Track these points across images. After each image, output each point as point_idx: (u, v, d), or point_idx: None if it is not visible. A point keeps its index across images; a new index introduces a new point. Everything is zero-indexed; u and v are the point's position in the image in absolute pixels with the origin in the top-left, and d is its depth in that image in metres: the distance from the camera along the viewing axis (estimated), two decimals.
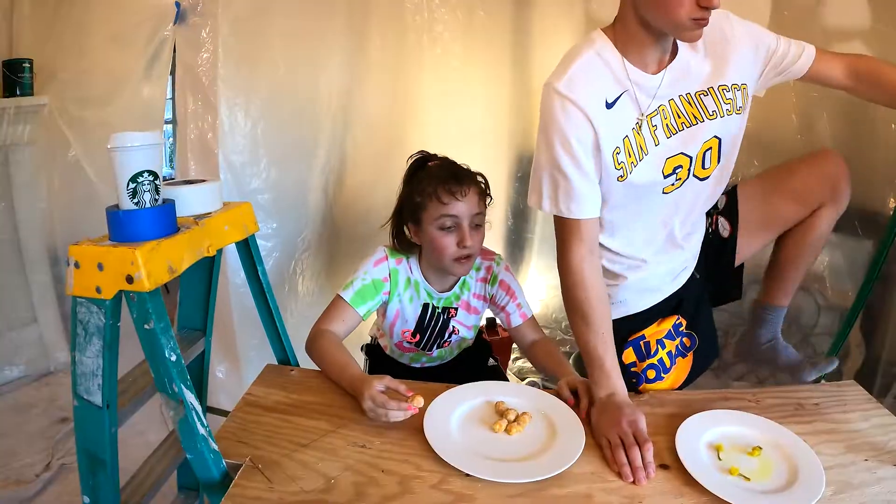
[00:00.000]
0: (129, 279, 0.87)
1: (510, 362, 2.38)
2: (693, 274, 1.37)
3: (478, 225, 1.32)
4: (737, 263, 1.42)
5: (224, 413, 1.35)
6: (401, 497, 0.91)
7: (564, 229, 1.17)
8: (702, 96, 1.15)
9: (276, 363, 1.35)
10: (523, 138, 2.39)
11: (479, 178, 1.36)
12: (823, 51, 1.19)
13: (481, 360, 1.61)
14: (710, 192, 1.27)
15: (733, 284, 1.46)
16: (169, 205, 0.99)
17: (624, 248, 1.27)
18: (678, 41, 1.12)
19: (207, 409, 1.44)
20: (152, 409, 1.82)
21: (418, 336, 1.45)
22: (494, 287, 1.44)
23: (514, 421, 1.07)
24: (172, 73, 1.97)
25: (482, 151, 2.16)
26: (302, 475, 0.95)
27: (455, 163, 1.37)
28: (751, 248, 1.41)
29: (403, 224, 1.39)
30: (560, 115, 1.10)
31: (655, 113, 1.14)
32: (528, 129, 2.37)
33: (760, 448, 1.03)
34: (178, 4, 1.83)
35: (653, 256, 1.28)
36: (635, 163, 1.15)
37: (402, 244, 1.40)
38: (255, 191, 1.81)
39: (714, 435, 1.07)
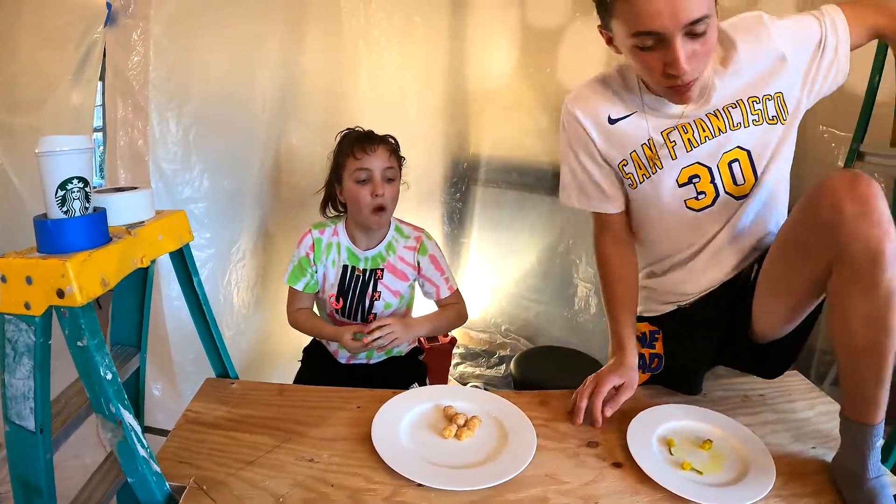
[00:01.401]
0: (60, 293, 0.84)
1: (451, 367, 2.41)
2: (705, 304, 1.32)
3: (390, 179, 1.50)
4: (757, 333, 1.22)
5: (163, 432, 1.32)
6: None
7: (593, 220, 1.38)
8: (730, 108, 1.18)
9: (216, 377, 1.32)
10: (458, 143, 2.44)
11: (391, 139, 1.55)
12: (850, 20, 1.17)
13: (417, 374, 1.65)
14: (758, 216, 1.23)
15: (751, 355, 1.27)
16: (100, 213, 0.95)
17: (648, 255, 1.38)
18: None
19: (145, 429, 1.40)
20: (89, 430, 1.74)
21: (342, 301, 1.55)
22: (425, 258, 1.57)
23: (464, 426, 1.09)
24: (102, 77, 1.90)
25: (417, 156, 2.17)
26: (249, 495, 0.94)
27: (371, 130, 1.57)
28: (764, 315, 1.19)
29: (332, 189, 1.59)
30: (566, 125, 1.29)
31: (673, 129, 1.20)
32: (463, 133, 2.43)
33: (711, 441, 1.09)
34: (109, 5, 1.77)
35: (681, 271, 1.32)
36: (647, 175, 1.24)
37: (334, 209, 1.62)
38: (187, 200, 1.76)
39: (665, 430, 1.13)
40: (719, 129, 1.19)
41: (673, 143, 1.21)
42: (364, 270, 1.55)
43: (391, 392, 1.20)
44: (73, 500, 1.05)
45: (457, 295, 1.61)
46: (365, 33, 2.16)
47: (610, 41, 1.13)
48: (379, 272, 1.54)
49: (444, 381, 2.30)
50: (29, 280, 0.84)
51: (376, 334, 1.38)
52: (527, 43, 2.36)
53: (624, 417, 1.14)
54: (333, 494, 0.94)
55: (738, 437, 1.11)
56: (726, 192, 1.22)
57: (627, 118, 1.23)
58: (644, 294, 1.39)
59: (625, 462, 1.05)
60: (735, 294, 1.25)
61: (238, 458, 1.02)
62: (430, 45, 2.25)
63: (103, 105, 1.85)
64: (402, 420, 1.12)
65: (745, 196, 1.21)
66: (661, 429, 1.13)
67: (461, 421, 1.10)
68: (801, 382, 1.33)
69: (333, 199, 1.61)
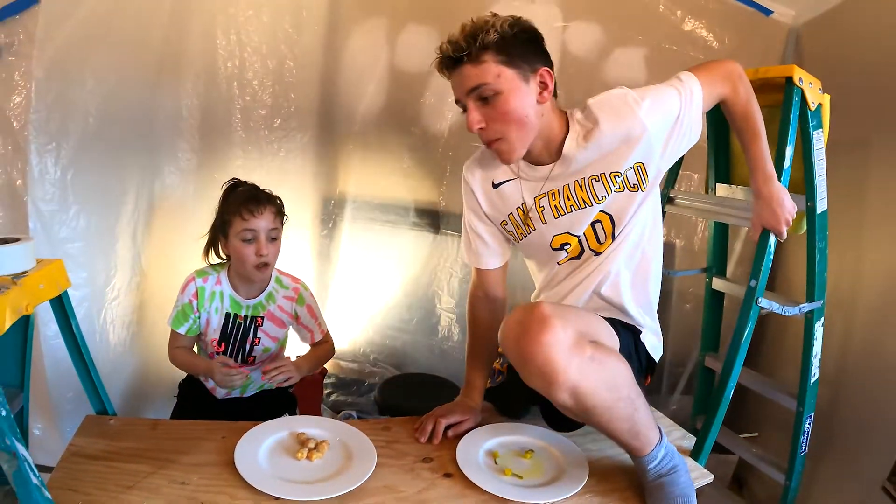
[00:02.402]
0: None
1: (325, 397, 2.63)
2: None
3: (273, 238, 1.67)
4: None
5: (47, 468, 1.42)
6: None
7: (473, 274, 1.63)
8: (593, 181, 1.38)
9: (95, 414, 1.47)
10: (327, 182, 2.65)
11: (277, 201, 1.71)
12: (704, 86, 1.41)
13: (288, 405, 1.87)
14: (618, 273, 1.44)
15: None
16: None
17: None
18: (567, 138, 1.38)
19: None
20: None
21: (223, 345, 1.73)
22: (302, 308, 1.78)
23: (314, 448, 1.33)
24: None
25: (287, 194, 2.37)
26: None
27: (257, 187, 1.71)
28: None
29: (217, 239, 1.71)
30: (463, 189, 1.55)
31: (544, 195, 1.42)
32: (331, 174, 2.65)
33: (532, 451, 1.39)
34: None
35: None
36: (525, 234, 1.49)
37: (216, 255, 1.74)
38: (64, 239, 1.89)
39: (491, 444, 1.41)
40: (584, 201, 1.40)
41: (542, 209, 1.43)
42: (245, 317, 1.72)
43: (251, 423, 1.42)
44: None
45: (327, 335, 1.84)
46: (239, 76, 2.34)
47: None
48: (259, 319, 1.72)
49: (318, 410, 2.49)
50: None
51: (275, 374, 1.57)
52: (394, 86, 2.61)
53: (457, 439, 1.43)
54: None
55: (557, 446, 1.42)
56: (590, 249, 1.45)
57: (508, 182, 1.47)
58: None
59: (455, 473, 1.32)
60: None
61: (119, 483, 1.20)
62: (302, 88, 2.45)
63: None
64: (261, 446, 1.34)
65: (603, 252, 1.43)
66: (488, 443, 1.42)
67: (312, 444, 1.34)
68: None
69: (216, 247, 1.73)
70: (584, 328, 1.21)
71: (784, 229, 1.50)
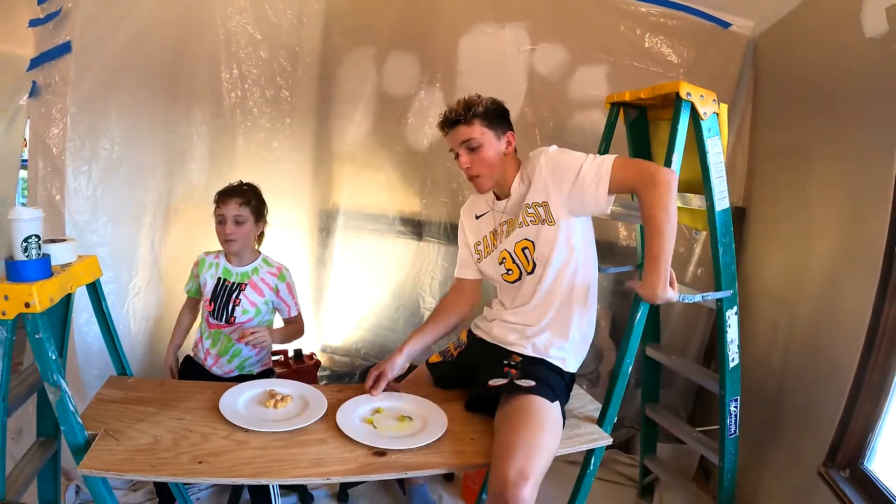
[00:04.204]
0: (27, 305, 1.57)
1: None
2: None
3: (238, 222, 2.28)
4: None
5: None
6: (202, 444, 1.65)
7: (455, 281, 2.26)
8: (527, 208, 1.94)
9: (117, 375, 2.06)
10: (322, 196, 3.27)
11: (245, 192, 2.33)
12: (622, 180, 1.80)
13: None
14: (549, 293, 1.95)
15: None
16: (47, 257, 1.69)
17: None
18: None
19: None
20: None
21: (213, 305, 2.34)
22: (283, 283, 2.39)
23: (280, 400, 1.88)
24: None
25: (286, 208, 3.04)
26: (138, 437, 1.67)
27: (234, 183, 2.37)
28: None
29: None
30: (459, 225, 2.23)
31: (504, 223, 2.03)
32: (325, 189, 3.26)
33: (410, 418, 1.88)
34: (34, 82, 2.51)
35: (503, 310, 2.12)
36: (489, 252, 2.09)
37: None
38: (94, 244, 2.50)
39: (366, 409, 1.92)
40: (521, 224, 1.96)
41: (501, 233, 2.04)
42: (233, 283, 2.34)
43: (235, 384, 1.98)
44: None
45: (299, 316, 2.47)
46: (241, 104, 2.95)
47: None
48: (243, 286, 2.34)
49: None
50: (6, 297, 1.56)
51: (251, 337, 2.20)
52: (381, 109, 3.20)
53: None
54: (191, 436, 1.69)
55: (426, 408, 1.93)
56: (526, 272, 1.98)
57: (485, 215, 2.12)
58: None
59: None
60: (499, 366, 1.95)
61: (132, 418, 1.75)
62: (297, 115, 3.06)
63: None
64: (240, 396, 1.90)
65: (531, 273, 1.96)
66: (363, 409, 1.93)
67: (279, 397, 1.90)
68: None
69: None
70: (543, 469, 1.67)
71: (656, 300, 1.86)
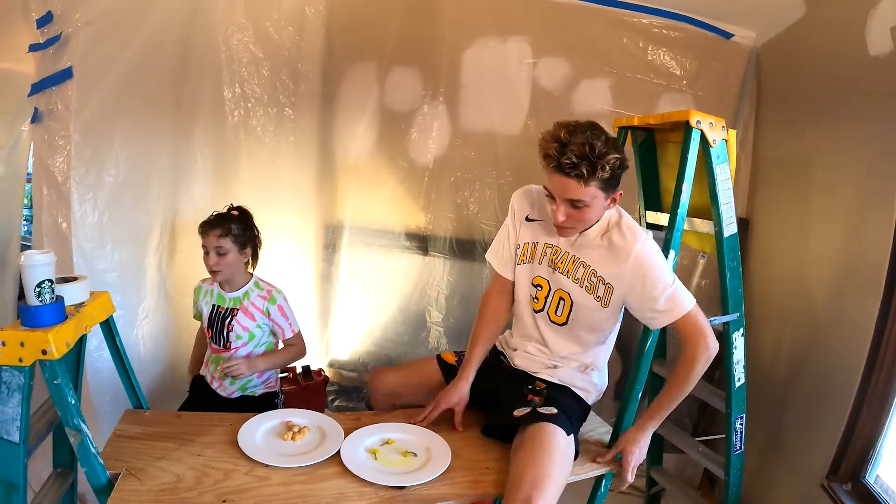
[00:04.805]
0: (44, 352, 1.59)
1: (328, 402, 3.25)
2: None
3: (220, 253, 2.31)
4: None
5: None
6: (224, 481, 1.69)
7: (493, 278, 2.19)
8: (581, 264, 1.92)
9: (132, 408, 2.08)
10: (327, 212, 3.31)
11: (225, 220, 2.34)
12: (684, 328, 1.85)
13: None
14: (563, 343, 2.02)
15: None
16: (61, 301, 1.71)
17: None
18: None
19: None
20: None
21: (210, 331, 2.42)
22: (274, 306, 2.40)
23: (298, 432, 1.91)
24: None
25: (293, 224, 3.07)
26: (160, 475, 1.70)
27: (215, 215, 2.38)
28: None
29: None
30: (510, 206, 2.12)
31: (551, 246, 1.99)
32: (330, 203, 3.29)
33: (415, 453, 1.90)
34: (36, 109, 2.51)
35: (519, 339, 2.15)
36: (526, 260, 2.04)
37: None
38: (102, 270, 2.51)
39: (372, 441, 1.94)
40: (568, 271, 1.94)
41: (544, 255, 2.00)
42: (226, 308, 2.39)
43: (252, 414, 2.01)
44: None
45: (297, 336, 2.49)
46: (244, 122, 2.97)
47: None
48: (235, 311, 2.38)
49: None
50: (22, 344, 1.58)
51: (227, 368, 2.28)
52: (384, 124, 3.23)
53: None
54: (212, 473, 1.72)
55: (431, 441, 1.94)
56: (548, 314, 2.01)
57: (535, 222, 2.04)
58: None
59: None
60: (522, 392, 1.97)
61: (152, 455, 1.78)
62: (301, 133, 3.09)
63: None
64: (258, 429, 1.93)
65: (557, 324, 1.99)
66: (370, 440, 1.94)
67: (296, 429, 1.92)
68: None
69: None
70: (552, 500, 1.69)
71: (627, 474, 1.91)
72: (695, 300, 1.87)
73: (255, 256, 2.48)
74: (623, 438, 1.94)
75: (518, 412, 1.89)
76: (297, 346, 2.49)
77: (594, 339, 2.03)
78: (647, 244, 1.86)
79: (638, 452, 1.90)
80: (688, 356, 1.86)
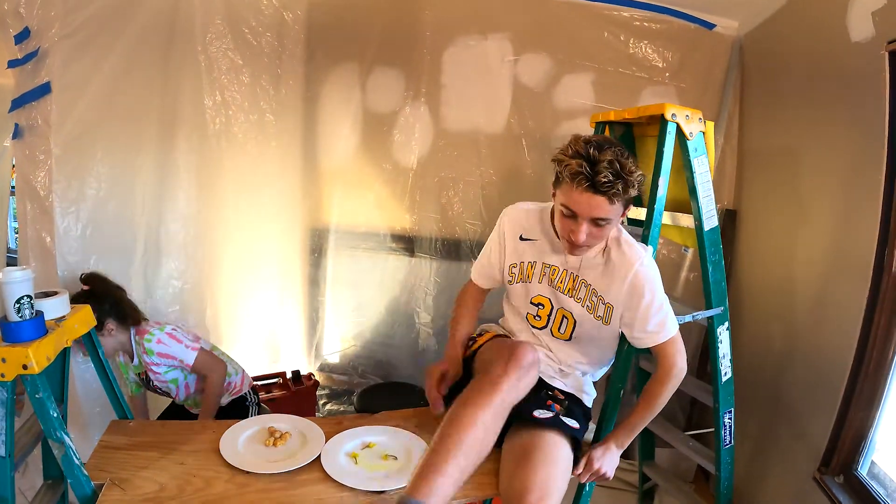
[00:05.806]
0: (25, 367, 1.64)
1: (319, 406, 3.31)
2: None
3: (103, 335, 2.30)
4: None
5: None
6: (205, 489, 1.74)
7: (468, 283, 2.26)
8: (583, 284, 1.92)
9: (118, 419, 2.14)
10: (314, 215, 3.36)
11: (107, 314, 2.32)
12: (663, 351, 1.90)
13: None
14: (568, 359, 2.04)
15: None
16: (41, 316, 1.76)
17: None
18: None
19: None
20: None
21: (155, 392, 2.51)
22: (152, 356, 2.36)
23: (279, 438, 1.96)
24: None
25: (279, 228, 3.14)
26: (143, 485, 1.75)
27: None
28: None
29: None
30: (498, 223, 2.10)
31: (550, 265, 1.98)
32: (315, 207, 3.35)
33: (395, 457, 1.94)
34: (16, 124, 2.58)
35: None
36: (522, 280, 2.04)
37: None
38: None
39: (353, 445, 1.98)
40: (570, 290, 1.95)
41: (543, 274, 1.99)
42: (144, 373, 2.43)
43: (233, 421, 2.07)
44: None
45: (201, 360, 2.40)
46: (226, 130, 3.02)
47: (553, 194, 1.84)
48: (146, 372, 2.41)
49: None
50: (3, 360, 1.63)
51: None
52: (367, 126, 3.28)
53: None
54: (194, 481, 1.77)
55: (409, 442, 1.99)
56: (551, 330, 2.03)
57: (531, 241, 2.01)
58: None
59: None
60: (539, 395, 1.93)
61: (136, 465, 1.83)
62: (283, 137, 3.13)
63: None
64: (240, 436, 1.98)
65: (561, 339, 2.01)
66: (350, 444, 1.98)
67: (277, 434, 1.97)
68: None
69: None
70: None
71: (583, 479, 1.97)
72: (678, 325, 1.93)
73: (121, 318, 2.36)
74: (589, 455, 1.96)
75: (539, 414, 1.88)
76: (210, 374, 2.43)
77: (598, 353, 2.08)
78: (644, 265, 1.86)
79: (603, 468, 1.94)
80: (660, 375, 1.93)
